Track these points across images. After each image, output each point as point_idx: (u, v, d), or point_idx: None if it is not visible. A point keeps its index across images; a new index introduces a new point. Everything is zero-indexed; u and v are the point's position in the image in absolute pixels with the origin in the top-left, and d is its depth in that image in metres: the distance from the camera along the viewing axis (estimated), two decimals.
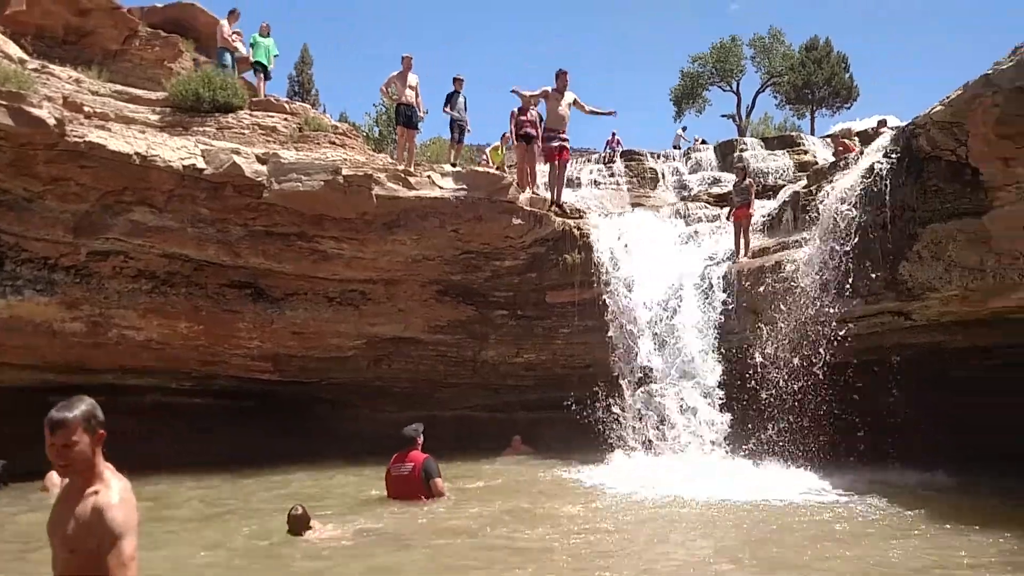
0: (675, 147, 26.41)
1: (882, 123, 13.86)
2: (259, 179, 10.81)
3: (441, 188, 11.45)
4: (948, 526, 6.99)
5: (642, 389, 12.01)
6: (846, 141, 13.31)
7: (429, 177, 11.55)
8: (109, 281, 11.04)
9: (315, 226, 11.24)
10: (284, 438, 13.13)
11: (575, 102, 13.11)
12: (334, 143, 12.36)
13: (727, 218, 13.48)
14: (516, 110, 13.38)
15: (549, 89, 12.89)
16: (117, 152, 10.25)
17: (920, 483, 9.55)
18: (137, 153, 10.40)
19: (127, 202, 10.66)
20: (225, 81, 12.57)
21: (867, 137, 14.99)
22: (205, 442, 12.32)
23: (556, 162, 13.21)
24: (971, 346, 10.54)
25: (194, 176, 10.79)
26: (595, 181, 19.74)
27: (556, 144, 13.03)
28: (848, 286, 10.10)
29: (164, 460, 11.09)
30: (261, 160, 10.99)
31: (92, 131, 10.24)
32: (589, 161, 21.29)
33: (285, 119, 12.73)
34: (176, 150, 10.85)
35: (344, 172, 10.82)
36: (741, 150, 19.90)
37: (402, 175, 11.32)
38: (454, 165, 13.03)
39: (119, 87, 12.13)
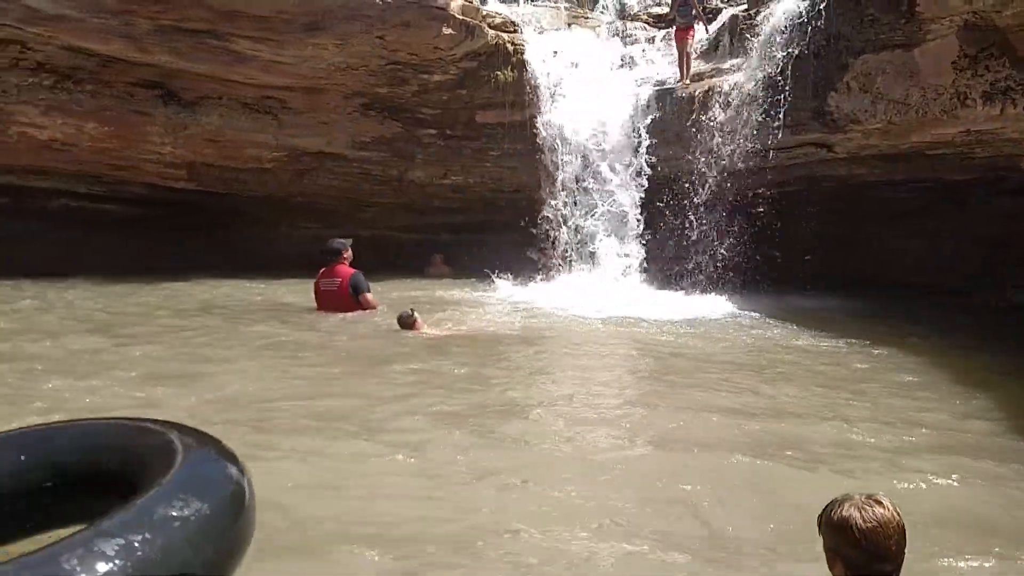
0: None
1: None
2: None
3: None
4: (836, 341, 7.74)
5: (569, 216, 12.07)
6: None
7: None
8: (6, 73, 10.46)
9: (229, 23, 10.42)
10: (202, 252, 12.88)
11: None
12: None
13: (663, 40, 13.06)
14: None
15: None
16: None
17: (822, 307, 9.98)
18: None
19: None
20: None
21: None
22: (116, 251, 12.01)
23: None
24: (883, 180, 10.82)
25: None
26: None
27: None
28: (776, 116, 10.09)
29: (75, 266, 10.95)
30: None
31: None
32: None
33: None
34: None
35: None
36: None
37: None
38: None
39: None
